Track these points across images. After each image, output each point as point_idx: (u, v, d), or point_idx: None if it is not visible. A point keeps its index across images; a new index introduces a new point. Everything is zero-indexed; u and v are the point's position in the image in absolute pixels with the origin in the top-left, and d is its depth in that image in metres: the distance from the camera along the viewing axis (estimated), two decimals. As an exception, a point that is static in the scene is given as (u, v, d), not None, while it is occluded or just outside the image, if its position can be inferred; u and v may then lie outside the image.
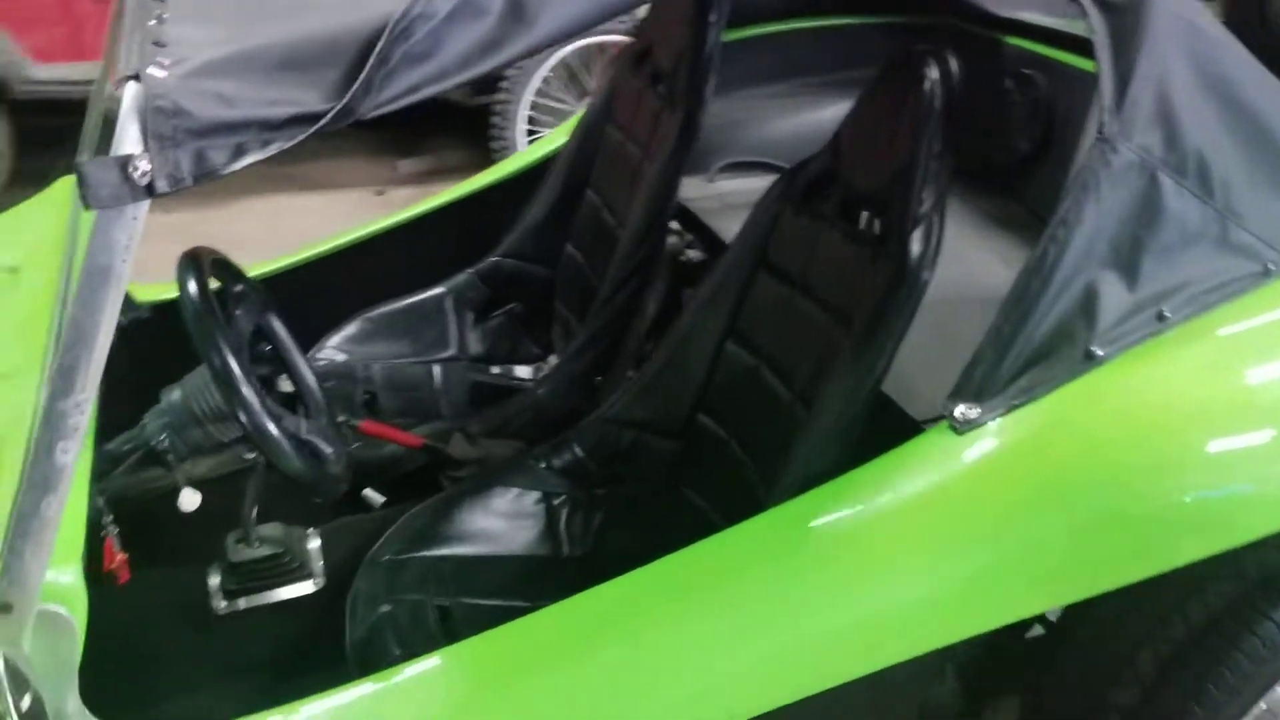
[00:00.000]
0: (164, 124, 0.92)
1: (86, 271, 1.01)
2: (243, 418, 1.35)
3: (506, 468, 1.97)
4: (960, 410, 1.36)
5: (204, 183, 1.00)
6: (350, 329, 2.45)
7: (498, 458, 2.04)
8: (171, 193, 0.96)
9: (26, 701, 1.23)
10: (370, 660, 1.61)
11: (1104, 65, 1.32)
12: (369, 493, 2.10)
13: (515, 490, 1.92)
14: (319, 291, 2.47)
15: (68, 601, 1.22)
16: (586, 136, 2.38)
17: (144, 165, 0.92)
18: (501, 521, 1.88)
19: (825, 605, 1.37)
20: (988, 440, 1.36)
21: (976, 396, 1.36)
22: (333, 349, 2.42)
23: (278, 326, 1.69)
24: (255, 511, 1.92)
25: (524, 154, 2.62)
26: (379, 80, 0.97)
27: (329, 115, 0.96)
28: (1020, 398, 1.36)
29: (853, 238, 1.63)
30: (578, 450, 1.98)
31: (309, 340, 2.41)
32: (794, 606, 1.37)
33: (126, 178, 0.92)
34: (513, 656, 1.42)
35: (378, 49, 0.96)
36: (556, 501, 1.93)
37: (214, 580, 1.93)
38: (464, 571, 1.78)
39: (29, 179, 4.08)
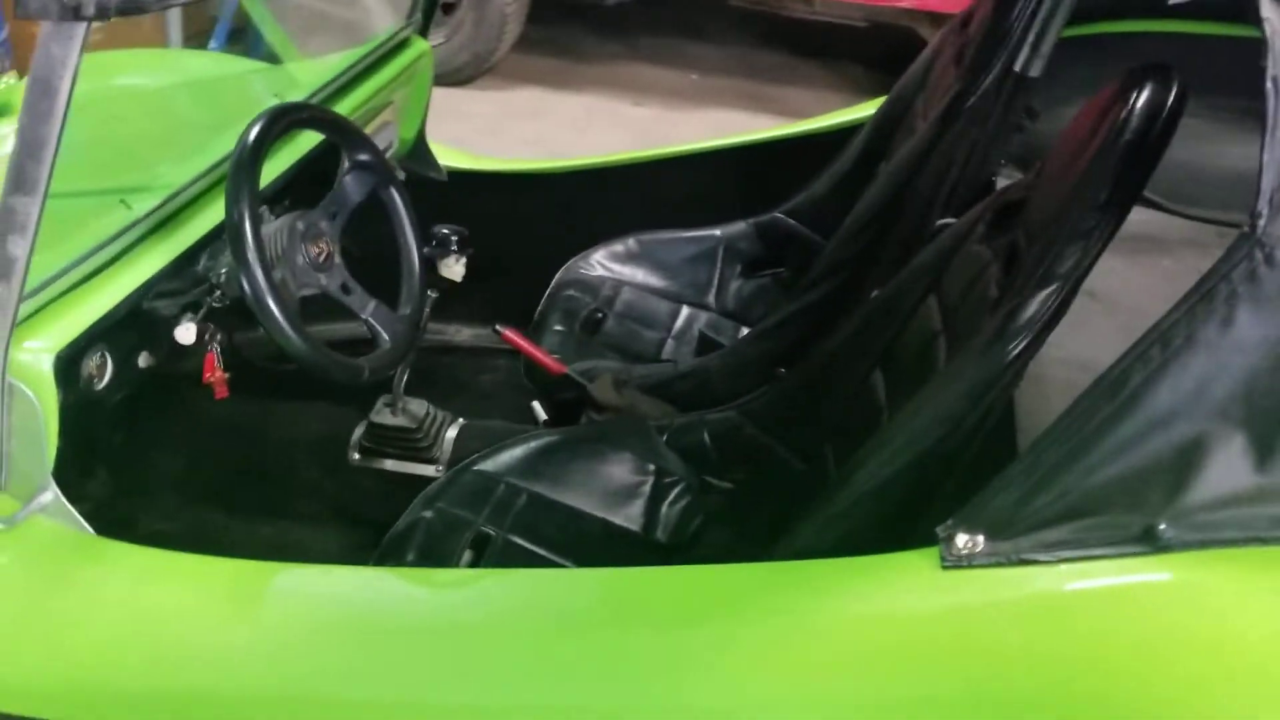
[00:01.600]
0: None
1: (30, 81, 1.08)
2: (243, 278, 1.35)
3: (629, 428, 1.83)
4: (962, 540, 1.01)
5: (130, 15, 1.00)
6: (619, 245, 2.40)
7: (637, 414, 1.90)
8: (95, 18, 0.99)
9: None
10: (387, 555, 1.60)
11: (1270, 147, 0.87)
12: (536, 405, 2.08)
13: (627, 454, 1.78)
14: (601, 201, 2.45)
15: (32, 383, 1.31)
16: (895, 105, 2.08)
17: None
18: (599, 479, 1.76)
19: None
20: (976, 590, 1.01)
21: (988, 529, 1.00)
22: (598, 260, 2.39)
23: (397, 199, 1.67)
24: (405, 380, 1.98)
25: (838, 113, 2.35)
26: None
27: None
28: (1040, 553, 0.98)
29: (999, 281, 1.27)
30: (705, 436, 1.78)
31: (579, 246, 2.40)
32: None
33: None
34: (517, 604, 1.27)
35: None
36: (667, 480, 1.76)
37: (357, 432, 2.03)
38: (531, 511, 1.69)
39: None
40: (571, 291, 2.31)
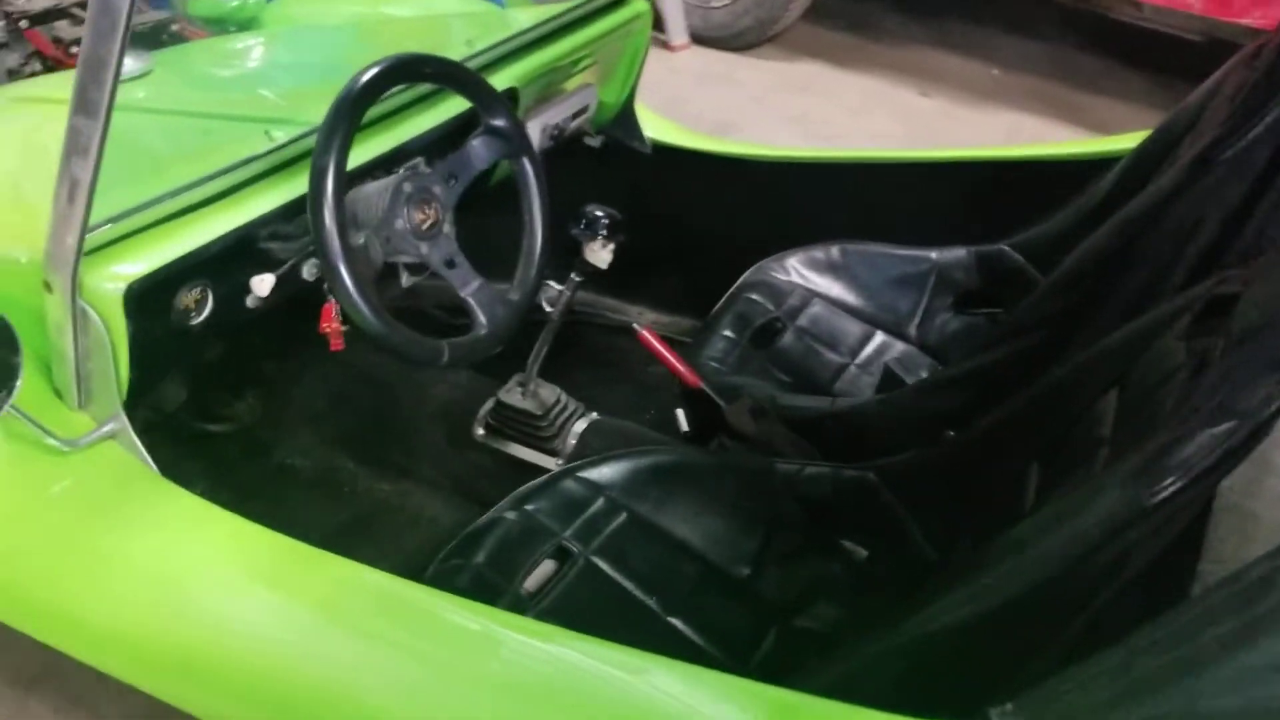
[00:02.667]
0: None
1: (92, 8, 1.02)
2: (314, 233, 1.24)
3: (754, 465, 1.61)
4: (1010, 737, 0.76)
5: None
6: (820, 252, 2.15)
7: (771, 448, 1.68)
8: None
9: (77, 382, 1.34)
10: (458, 553, 1.48)
11: None
12: (680, 414, 1.90)
13: (747, 493, 1.58)
14: (810, 199, 2.22)
15: (102, 310, 1.27)
16: (1159, 141, 1.71)
17: None
18: (710, 515, 1.56)
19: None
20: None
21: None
22: (793, 264, 2.16)
23: (529, 173, 1.51)
24: (539, 362, 1.85)
25: (1093, 141, 1.98)
26: None
27: None
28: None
29: (1179, 394, 0.97)
30: (829, 487, 1.54)
31: (776, 244, 2.18)
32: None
33: None
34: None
35: None
36: (784, 532, 1.55)
37: (486, 406, 1.92)
38: (626, 534, 1.53)
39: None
40: (755, 295, 2.10)
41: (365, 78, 1.29)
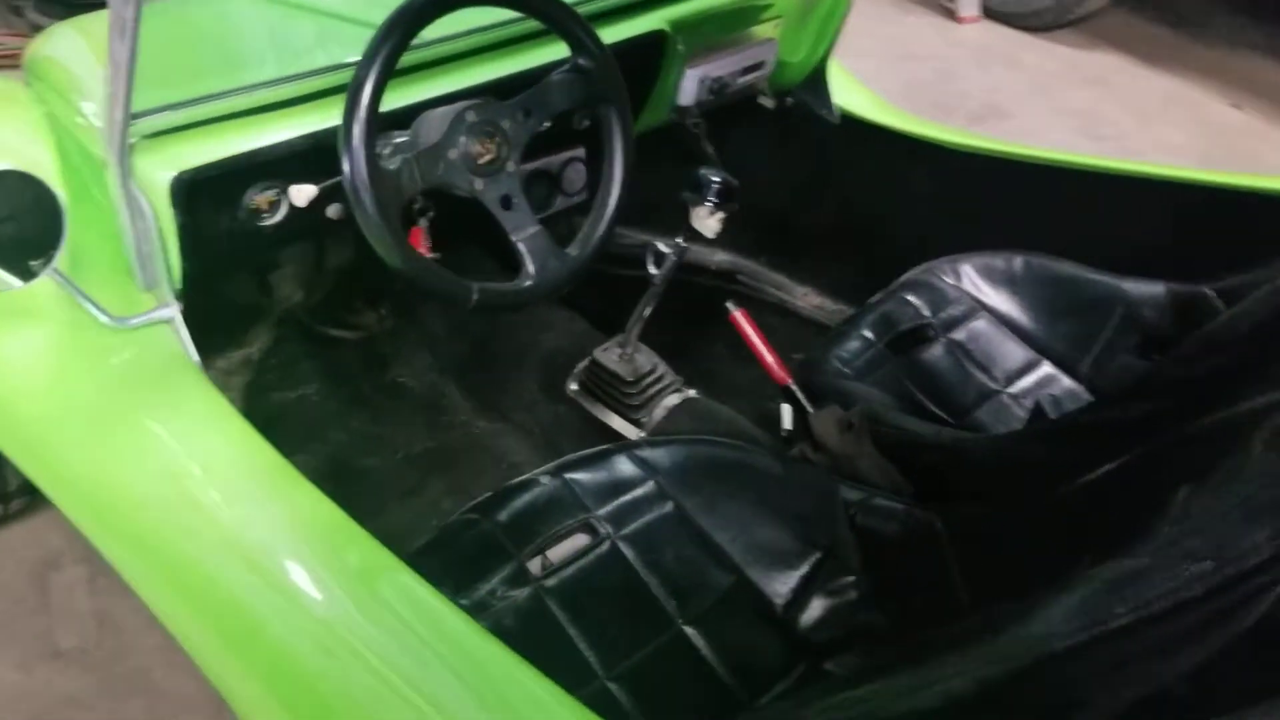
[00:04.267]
0: None
1: None
2: (340, 151, 1.16)
3: (819, 485, 1.44)
4: None
5: None
6: (1001, 261, 1.90)
7: (853, 467, 1.49)
8: None
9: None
10: (488, 508, 1.40)
11: None
12: (786, 409, 1.73)
13: (806, 513, 1.41)
14: (1003, 199, 1.96)
15: (150, 193, 1.26)
16: None
17: None
18: (761, 527, 1.41)
19: None
20: None
21: None
22: (967, 270, 1.91)
23: (615, 122, 1.38)
24: (640, 325, 1.74)
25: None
26: None
27: None
28: None
29: None
30: (896, 524, 1.35)
31: (950, 243, 1.94)
32: None
33: None
34: None
35: None
36: (835, 565, 1.37)
37: (583, 363, 1.84)
38: (665, 526, 1.40)
39: None
40: (911, 296, 1.88)
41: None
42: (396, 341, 2.08)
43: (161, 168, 1.27)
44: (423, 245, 1.49)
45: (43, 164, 1.44)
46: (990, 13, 4.35)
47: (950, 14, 4.40)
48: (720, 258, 2.44)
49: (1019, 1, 4.22)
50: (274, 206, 1.38)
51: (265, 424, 1.43)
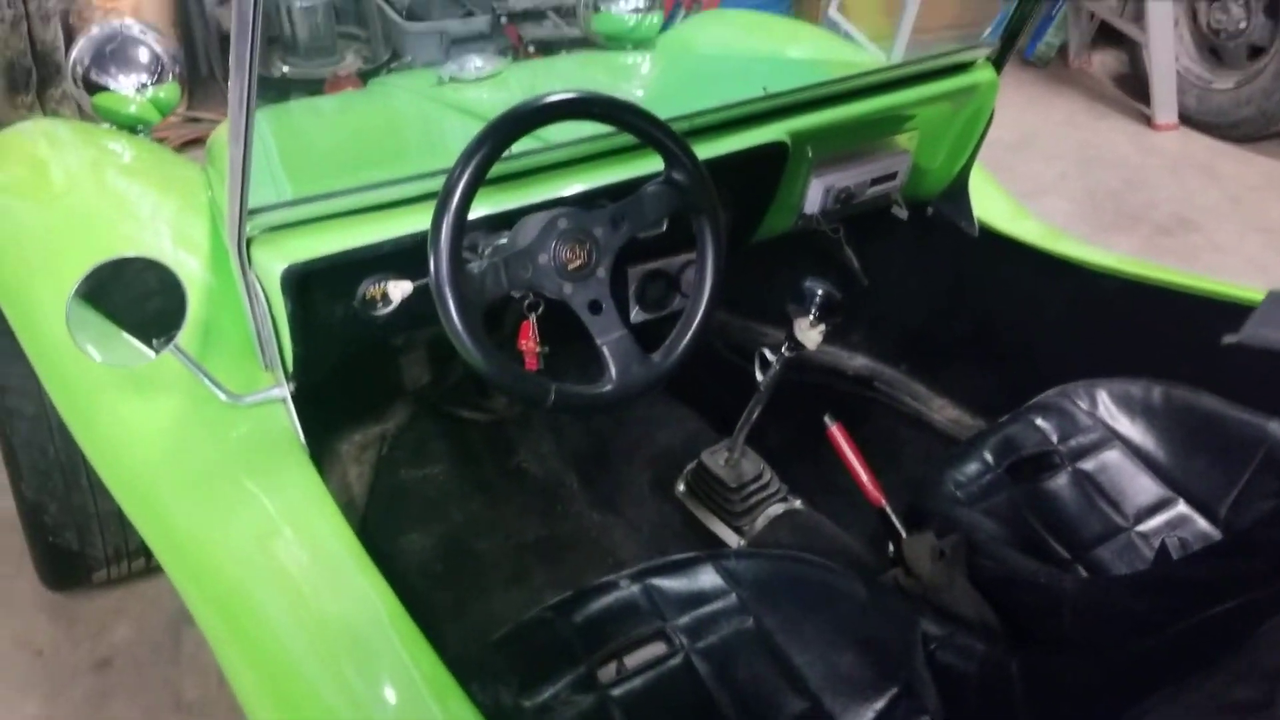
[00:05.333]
0: None
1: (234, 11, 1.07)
2: (429, 250, 1.22)
3: (901, 613, 1.39)
4: None
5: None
6: (1137, 389, 1.78)
7: (943, 599, 1.43)
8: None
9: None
10: (563, 611, 1.41)
11: None
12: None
13: (886, 646, 1.36)
14: (1137, 322, 1.87)
15: (266, 282, 1.36)
16: None
17: None
18: (839, 654, 1.36)
19: None
20: None
21: None
22: (1101, 395, 1.82)
23: (707, 234, 1.38)
24: (746, 430, 1.73)
25: None
26: None
27: None
28: None
29: None
30: (975, 666, 1.29)
31: (1076, 367, 1.86)
32: None
33: None
34: None
35: None
36: (912, 704, 1.32)
37: (691, 465, 1.84)
38: (741, 643, 1.37)
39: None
40: (1039, 420, 1.80)
41: (532, 105, 1.27)
42: (524, 426, 2.13)
43: (276, 259, 1.36)
44: (530, 339, 1.54)
45: (197, 245, 1.58)
46: (1189, 120, 4.16)
47: (1147, 120, 4.23)
48: (859, 362, 2.40)
49: (1219, 111, 4.03)
50: (387, 297, 1.46)
51: (390, 499, 1.49)
